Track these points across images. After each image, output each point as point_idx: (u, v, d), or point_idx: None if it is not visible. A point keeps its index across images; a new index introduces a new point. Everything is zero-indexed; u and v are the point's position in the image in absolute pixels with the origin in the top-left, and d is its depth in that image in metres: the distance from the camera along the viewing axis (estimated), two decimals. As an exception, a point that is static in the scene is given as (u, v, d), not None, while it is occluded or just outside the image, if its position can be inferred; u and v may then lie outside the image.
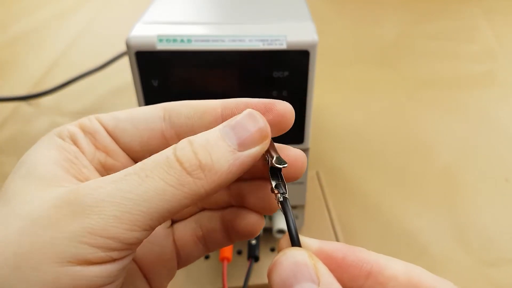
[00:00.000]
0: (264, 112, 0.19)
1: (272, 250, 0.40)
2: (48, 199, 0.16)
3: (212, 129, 0.18)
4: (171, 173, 0.16)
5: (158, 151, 0.19)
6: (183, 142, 0.17)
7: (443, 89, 0.65)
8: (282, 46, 0.30)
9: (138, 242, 0.16)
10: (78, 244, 0.15)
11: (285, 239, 0.18)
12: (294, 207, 0.40)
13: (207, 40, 0.31)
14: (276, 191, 0.19)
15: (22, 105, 0.62)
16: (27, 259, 0.15)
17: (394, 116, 0.60)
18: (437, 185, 0.49)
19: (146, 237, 0.16)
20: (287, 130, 0.19)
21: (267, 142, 0.18)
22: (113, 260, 0.16)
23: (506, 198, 0.47)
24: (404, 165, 0.52)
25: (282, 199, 0.18)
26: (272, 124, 0.19)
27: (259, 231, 0.21)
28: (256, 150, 0.18)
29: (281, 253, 0.16)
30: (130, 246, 0.16)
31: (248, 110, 0.18)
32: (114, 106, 0.63)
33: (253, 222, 0.21)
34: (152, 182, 0.16)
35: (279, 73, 0.31)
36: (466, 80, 0.68)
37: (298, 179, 0.20)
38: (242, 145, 0.17)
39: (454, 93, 0.64)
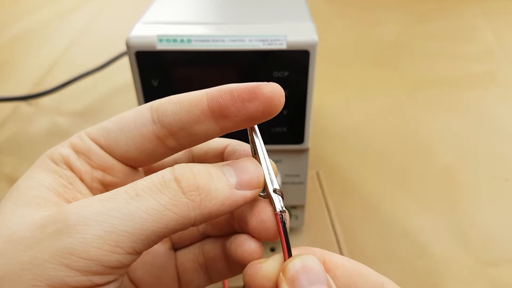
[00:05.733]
0: (250, 98, 0.18)
1: (272, 250, 0.40)
2: (34, 220, 0.16)
3: (213, 164, 0.18)
4: (165, 192, 0.16)
5: (156, 153, 0.19)
6: (183, 164, 0.17)
7: (443, 89, 0.65)
8: (282, 46, 0.30)
9: (122, 266, 0.16)
10: (58, 266, 0.14)
11: (271, 264, 0.18)
12: (294, 207, 0.40)
13: (207, 40, 0.31)
14: (277, 211, 0.19)
15: (22, 105, 0.62)
16: (2, 282, 0.14)
17: (394, 116, 0.60)
18: (437, 185, 0.49)
19: (130, 263, 0.16)
20: (278, 112, 0.18)
21: (259, 190, 0.19)
22: (95, 285, 0.15)
23: (506, 198, 0.47)
24: (404, 165, 0.52)
25: (282, 219, 0.18)
26: (260, 110, 0.18)
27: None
28: (251, 194, 0.18)
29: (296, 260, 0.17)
30: (113, 271, 0.15)
31: (249, 157, 0.19)
32: (114, 106, 0.63)
33: (250, 250, 0.20)
34: (142, 201, 0.15)
35: (279, 73, 0.31)
36: (466, 80, 0.68)
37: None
38: (240, 185, 0.18)
39: (454, 92, 0.64)
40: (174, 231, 0.16)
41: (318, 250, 0.19)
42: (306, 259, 0.17)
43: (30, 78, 0.69)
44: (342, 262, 0.18)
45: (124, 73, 0.66)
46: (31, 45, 0.80)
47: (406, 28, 0.83)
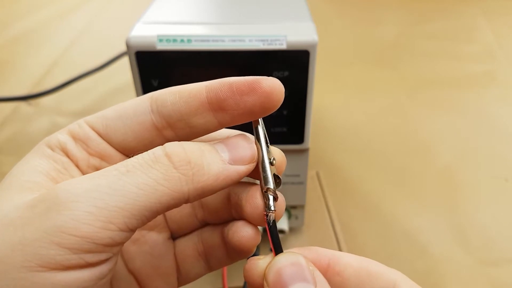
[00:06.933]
0: (248, 92, 0.18)
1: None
2: (25, 202, 0.15)
3: (205, 142, 0.18)
4: (156, 167, 0.16)
5: (153, 144, 0.19)
6: (174, 142, 0.17)
7: (443, 89, 0.65)
8: (282, 46, 0.30)
9: (114, 244, 0.15)
10: (48, 245, 0.14)
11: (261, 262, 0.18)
12: (294, 207, 0.40)
13: (207, 40, 0.31)
14: (265, 211, 0.19)
15: (22, 105, 0.62)
16: None
17: (394, 116, 0.60)
18: (437, 185, 0.49)
19: (123, 241, 0.16)
20: (277, 108, 0.18)
21: (254, 165, 0.18)
22: (87, 264, 0.15)
23: (506, 198, 0.47)
24: (404, 165, 0.52)
25: (271, 223, 0.18)
26: (258, 104, 0.18)
27: (254, 248, 0.20)
28: (245, 168, 0.18)
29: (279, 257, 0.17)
30: (105, 248, 0.15)
31: (242, 133, 0.19)
32: (114, 106, 0.63)
33: (247, 236, 0.19)
34: (133, 177, 0.15)
35: (279, 73, 0.31)
36: (466, 80, 0.68)
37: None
38: (233, 160, 0.18)
39: (454, 93, 0.64)
40: (168, 207, 0.16)
41: (324, 251, 0.19)
42: (286, 258, 0.17)
43: (30, 78, 0.69)
44: (350, 262, 0.18)
45: (124, 73, 0.66)
46: (31, 45, 0.80)
47: (406, 28, 0.83)
